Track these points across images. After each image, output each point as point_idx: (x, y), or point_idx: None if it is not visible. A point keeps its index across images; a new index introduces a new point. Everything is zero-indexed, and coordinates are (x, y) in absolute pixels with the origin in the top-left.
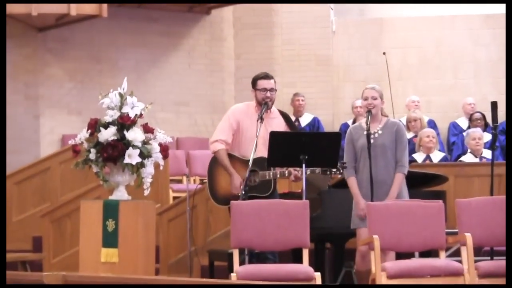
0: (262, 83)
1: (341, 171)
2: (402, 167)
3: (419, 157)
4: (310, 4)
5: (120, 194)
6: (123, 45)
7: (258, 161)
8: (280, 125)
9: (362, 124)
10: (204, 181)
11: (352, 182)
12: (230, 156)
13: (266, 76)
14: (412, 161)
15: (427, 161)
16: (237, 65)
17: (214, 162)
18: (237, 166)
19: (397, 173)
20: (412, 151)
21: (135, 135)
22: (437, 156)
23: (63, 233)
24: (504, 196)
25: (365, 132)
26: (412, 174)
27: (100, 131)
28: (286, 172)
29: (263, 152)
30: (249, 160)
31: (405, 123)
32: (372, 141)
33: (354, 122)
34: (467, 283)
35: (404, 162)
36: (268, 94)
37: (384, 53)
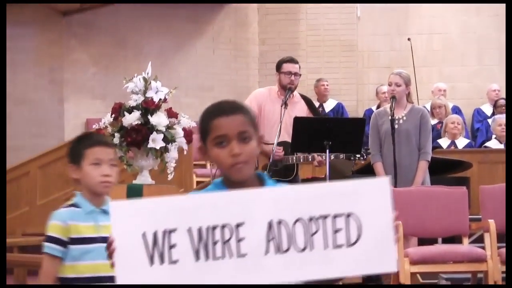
0: (287, 67)
1: (365, 157)
2: (426, 154)
3: (444, 142)
4: None
5: (144, 178)
6: (148, 30)
7: (280, 145)
8: (302, 110)
9: (387, 109)
10: None
11: (378, 167)
12: None
13: (292, 60)
14: (436, 147)
15: (452, 147)
16: (262, 50)
17: None
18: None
19: (421, 160)
20: (436, 137)
21: (159, 119)
22: (462, 142)
23: None
24: None
25: (389, 118)
26: (436, 160)
27: (124, 115)
28: (310, 157)
29: (285, 137)
30: (270, 144)
31: (429, 110)
32: (396, 126)
33: (378, 107)
34: (489, 269)
35: (427, 149)
36: (293, 78)
37: (408, 39)
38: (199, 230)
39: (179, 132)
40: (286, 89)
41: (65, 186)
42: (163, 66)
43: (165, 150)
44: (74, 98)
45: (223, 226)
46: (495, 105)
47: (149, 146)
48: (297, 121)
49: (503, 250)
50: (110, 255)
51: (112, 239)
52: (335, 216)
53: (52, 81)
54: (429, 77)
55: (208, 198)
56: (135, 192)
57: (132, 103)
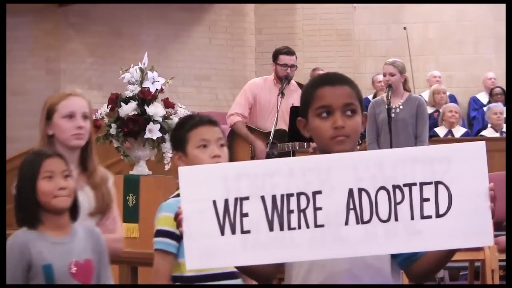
0: (283, 59)
1: (360, 142)
2: (422, 143)
3: (441, 131)
4: None
5: (141, 169)
6: (144, 20)
7: (277, 133)
8: (299, 98)
9: (384, 98)
10: None
11: None
12: (248, 128)
13: (289, 52)
14: (433, 135)
15: (449, 136)
16: (258, 39)
17: (232, 135)
18: (255, 138)
19: None
20: (433, 125)
21: (155, 110)
22: (459, 131)
23: None
24: None
25: (386, 107)
26: None
27: (120, 106)
28: (305, 144)
29: (282, 125)
30: (266, 132)
31: (427, 97)
32: (393, 115)
33: (375, 96)
34: (487, 258)
35: (424, 137)
36: (289, 70)
37: (405, 28)
38: (273, 198)
39: (176, 122)
40: (283, 79)
41: None
42: (160, 55)
43: (162, 140)
44: (70, 88)
45: (299, 194)
46: (491, 94)
47: (145, 136)
48: (294, 110)
49: (500, 238)
50: (178, 225)
51: (180, 210)
52: (422, 184)
53: (48, 72)
54: (425, 66)
55: (283, 164)
56: (132, 182)
57: (128, 93)
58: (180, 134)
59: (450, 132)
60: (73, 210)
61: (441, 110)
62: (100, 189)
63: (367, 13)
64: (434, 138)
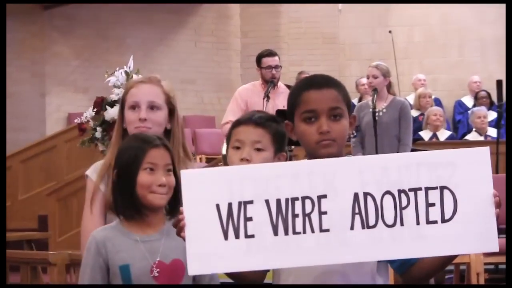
0: (266, 61)
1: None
2: (405, 146)
3: (425, 135)
4: None
5: None
6: (130, 23)
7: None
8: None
9: (369, 102)
10: (210, 158)
11: None
12: None
13: (270, 53)
14: (418, 139)
15: (434, 139)
16: (244, 43)
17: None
18: None
19: (400, 152)
20: (418, 129)
21: None
22: (443, 134)
23: (69, 212)
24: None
25: (370, 110)
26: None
27: (106, 109)
28: (292, 147)
29: None
30: None
31: (412, 101)
32: (376, 118)
33: (360, 100)
34: (472, 261)
35: (406, 140)
36: (274, 71)
37: (390, 31)
38: (278, 202)
39: None
40: (269, 82)
41: (48, 180)
42: (145, 58)
43: None
44: (56, 91)
45: (304, 198)
46: (476, 97)
47: None
48: (279, 113)
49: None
50: (179, 232)
51: (183, 216)
52: (427, 189)
53: (33, 74)
54: (410, 69)
55: (288, 168)
56: None
57: (114, 97)
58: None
59: (434, 135)
60: (172, 206)
61: (425, 114)
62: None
63: (353, 17)
64: (418, 142)
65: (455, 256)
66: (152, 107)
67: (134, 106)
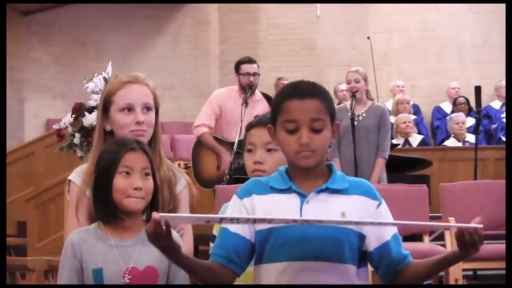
0: (245, 68)
1: None
2: (383, 152)
3: (397, 142)
4: None
5: None
6: (108, 29)
7: (241, 143)
8: (264, 108)
9: (347, 106)
10: (189, 165)
11: (336, 163)
12: (215, 138)
13: (250, 61)
14: (395, 145)
15: (406, 146)
16: (222, 49)
17: (198, 146)
18: (223, 149)
19: (378, 157)
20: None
21: None
22: (415, 139)
23: (47, 218)
24: (488, 181)
25: (349, 114)
26: (396, 158)
27: (84, 115)
28: None
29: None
30: (232, 142)
31: (391, 107)
32: (355, 123)
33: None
34: (450, 267)
35: (385, 146)
36: (252, 78)
37: (368, 38)
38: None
39: None
40: (247, 89)
41: (26, 187)
42: (124, 64)
43: None
44: (34, 97)
45: None
46: (454, 103)
47: None
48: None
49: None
50: (149, 239)
51: (157, 221)
52: None
53: (11, 81)
54: (389, 75)
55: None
56: None
57: (92, 103)
58: None
59: (407, 141)
60: (152, 211)
61: (394, 123)
62: (161, 193)
63: (331, 23)
64: (397, 148)
65: (444, 267)
66: (147, 108)
67: (128, 109)
